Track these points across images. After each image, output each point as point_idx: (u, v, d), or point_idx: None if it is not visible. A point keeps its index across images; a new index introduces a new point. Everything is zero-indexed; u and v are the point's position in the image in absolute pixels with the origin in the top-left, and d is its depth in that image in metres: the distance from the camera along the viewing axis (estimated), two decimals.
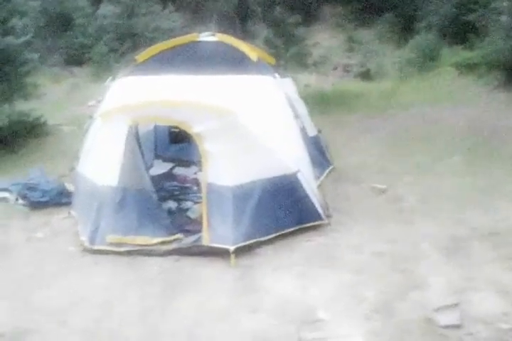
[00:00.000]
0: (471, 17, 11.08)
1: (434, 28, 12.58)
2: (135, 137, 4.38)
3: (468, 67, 10.02)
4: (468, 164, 5.80)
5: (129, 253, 4.17)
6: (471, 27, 11.54)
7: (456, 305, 3.20)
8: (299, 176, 4.38)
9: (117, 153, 4.30)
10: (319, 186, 4.93)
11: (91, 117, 5.09)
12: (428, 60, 11.19)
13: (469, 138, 6.57)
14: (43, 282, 3.93)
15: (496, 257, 3.83)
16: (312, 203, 4.43)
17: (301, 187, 4.39)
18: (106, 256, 4.18)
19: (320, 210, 4.48)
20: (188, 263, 4.03)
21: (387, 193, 5.23)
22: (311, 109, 6.04)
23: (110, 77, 5.27)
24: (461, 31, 11.92)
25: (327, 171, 5.79)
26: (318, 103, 8.03)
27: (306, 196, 4.41)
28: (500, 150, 6.06)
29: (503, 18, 8.27)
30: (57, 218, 5.02)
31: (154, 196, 4.31)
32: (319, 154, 5.77)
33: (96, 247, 4.25)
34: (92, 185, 4.52)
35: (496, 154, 6.00)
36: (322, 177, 5.47)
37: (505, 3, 9.82)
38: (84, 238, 4.36)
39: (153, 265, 4.04)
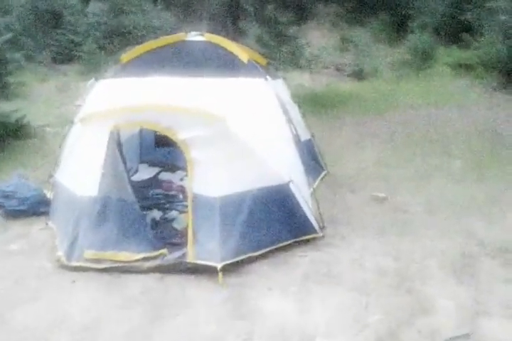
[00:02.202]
0: (466, 16, 10.78)
1: (429, 27, 12.27)
2: (117, 143, 3.97)
3: (464, 68, 9.74)
4: (472, 169, 5.46)
5: (109, 270, 3.76)
6: (465, 26, 11.24)
7: (467, 335, 2.84)
8: (292, 186, 4.00)
9: (97, 161, 3.89)
10: (313, 194, 4.55)
11: (71, 121, 4.66)
12: (423, 59, 10.89)
13: (471, 142, 6.23)
14: (16, 302, 3.51)
15: (507, 277, 3.48)
16: (305, 215, 4.06)
17: (294, 198, 4.01)
18: (84, 274, 3.77)
19: (314, 223, 4.11)
20: (173, 281, 3.63)
21: (387, 202, 4.86)
22: (304, 110, 5.67)
23: (92, 79, 4.85)
24: (455, 31, 11.63)
25: (320, 177, 5.42)
26: (312, 104, 7.67)
27: (299, 207, 4.03)
28: (505, 155, 5.73)
29: (502, 18, 7.92)
30: (35, 229, 4.60)
31: (137, 207, 3.90)
32: (312, 159, 5.40)
33: (73, 264, 3.83)
34: (70, 194, 4.12)
35: (500, 158, 5.67)
36: (315, 184, 5.09)
37: (501, 3, 9.48)
38: (61, 253, 3.94)
39: (136, 284, 3.64)
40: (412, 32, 12.12)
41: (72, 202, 4.05)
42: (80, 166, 4.10)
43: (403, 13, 13.02)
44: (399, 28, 12.87)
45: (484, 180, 5.20)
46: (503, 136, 6.26)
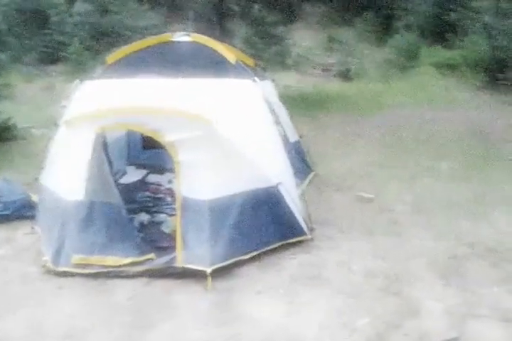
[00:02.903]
0: (450, 17, 10.80)
1: (414, 27, 12.28)
2: (103, 146, 3.87)
3: (448, 67, 9.76)
4: (459, 169, 5.46)
5: (96, 275, 3.67)
6: (450, 26, 11.27)
7: (456, 339, 2.81)
8: (281, 189, 3.94)
9: (83, 164, 3.79)
10: (301, 195, 4.50)
11: (55, 124, 4.55)
12: (408, 59, 10.90)
13: (459, 141, 6.23)
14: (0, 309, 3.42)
15: (496, 278, 3.46)
16: (295, 217, 4.01)
17: (283, 200, 3.95)
18: (71, 279, 3.67)
19: (303, 225, 4.06)
20: (161, 286, 3.56)
21: (374, 202, 4.83)
22: (291, 111, 5.62)
23: (77, 80, 4.74)
24: (440, 31, 11.66)
25: (309, 178, 5.37)
26: (299, 104, 7.62)
27: (288, 210, 3.98)
28: (493, 154, 5.74)
29: (487, 18, 7.93)
30: (20, 233, 4.49)
31: (124, 211, 3.81)
32: (300, 160, 5.35)
33: (60, 268, 3.73)
34: (55, 198, 4.01)
35: (488, 158, 5.67)
36: (304, 185, 5.05)
37: (484, 3, 9.51)
38: (47, 258, 3.84)
39: (123, 289, 3.55)
40: (397, 32, 12.12)
41: (57, 206, 3.94)
42: (66, 170, 4.00)
43: (388, 13, 13.06)
44: (384, 28, 12.87)
45: (472, 179, 5.20)
46: (490, 136, 6.28)
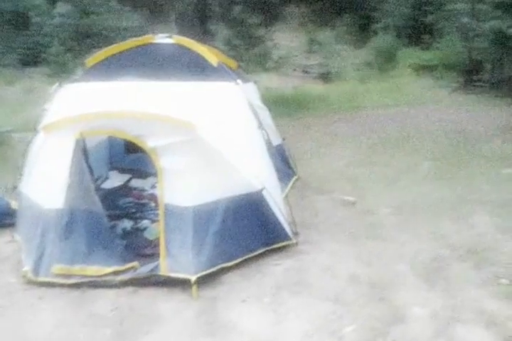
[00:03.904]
0: (427, 19, 10.80)
1: (391, 29, 12.26)
2: (83, 152, 3.70)
3: (426, 68, 9.76)
4: (440, 170, 5.41)
5: (78, 285, 3.50)
6: (426, 28, 11.28)
7: None
8: (265, 194, 3.82)
9: (63, 171, 3.61)
10: (285, 199, 4.39)
11: (34, 129, 4.35)
12: (386, 60, 10.88)
13: (438, 142, 6.19)
14: None
15: (479, 281, 3.40)
16: (279, 222, 3.89)
17: (267, 205, 3.83)
18: (52, 290, 3.50)
19: (287, 229, 3.95)
20: (145, 295, 3.41)
21: (357, 205, 4.74)
22: (273, 113, 5.49)
23: (56, 84, 4.54)
24: (416, 32, 11.67)
25: (292, 181, 5.27)
26: (281, 106, 7.51)
27: (273, 215, 3.86)
28: (471, 154, 5.70)
29: (464, 20, 7.92)
30: (0, 242, 4.28)
31: (105, 219, 3.65)
32: (284, 164, 5.25)
33: (41, 279, 3.56)
34: (35, 206, 3.83)
35: (466, 158, 5.64)
36: (287, 189, 4.94)
37: (459, 6, 9.51)
38: (27, 268, 3.65)
39: (106, 299, 3.40)
40: (375, 34, 12.10)
41: (37, 215, 3.76)
42: (45, 177, 3.81)
43: (367, 14, 13.03)
44: (363, 29, 12.84)
45: (452, 180, 5.15)
46: (468, 136, 6.25)
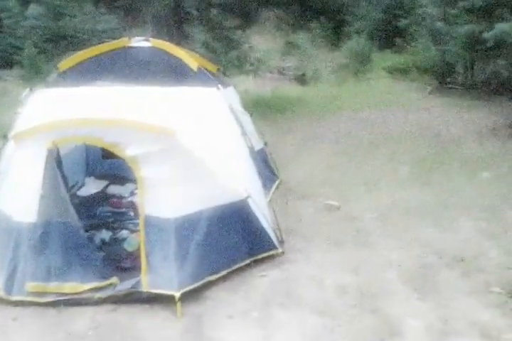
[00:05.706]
0: (399, 22, 10.77)
1: (364, 32, 12.19)
2: (56, 162, 3.39)
3: (400, 71, 9.71)
4: (419, 173, 5.28)
5: (54, 304, 3.21)
6: (399, 32, 11.24)
7: None
8: (250, 202, 3.60)
9: (35, 182, 3.30)
10: (269, 204, 4.18)
11: (5, 137, 4.01)
12: (361, 63, 10.79)
13: (416, 145, 6.07)
14: None
15: (469, 289, 3.25)
16: (265, 232, 3.68)
17: (253, 214, 3.61)
18: (27, 309, 3.20)
19: (273, 238, 3.74)
20: (126, 313, 3.14)
21: (341, 210, 4.56)
22: (253, 117, 5.26)
23: (27, 89, 4.20)
24: (389, 36, 11.63)
25: (275, 186, 5.06)
26: (258, 109, 7.25)
27: (258, 224, 3.64)
28: (448, 157, 5.60)
29: (437, 24, 7.85)
30: None
31: (82, 232, 3.37)
32: (266, 168, 5.04)
33: (13, 298, 3.25)
34: (6, 220, 3.49)
35: (444, 161, 5.53)
36: (270, 194, 4.73)
37: (430, 10, 9.48)
38: None
39: (85, 318, 3.12)
40: (349, 37, 12.01)
41: (9, 229, 3.43)
42: (16, 188, 3.49)
43: (341, 18, 12.90)
44: (338, 32, 12.74)
45: (432, 183, 5.03)
46: (445, 139, 6.17)
